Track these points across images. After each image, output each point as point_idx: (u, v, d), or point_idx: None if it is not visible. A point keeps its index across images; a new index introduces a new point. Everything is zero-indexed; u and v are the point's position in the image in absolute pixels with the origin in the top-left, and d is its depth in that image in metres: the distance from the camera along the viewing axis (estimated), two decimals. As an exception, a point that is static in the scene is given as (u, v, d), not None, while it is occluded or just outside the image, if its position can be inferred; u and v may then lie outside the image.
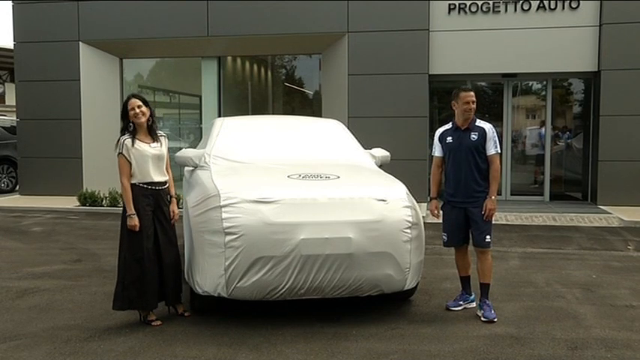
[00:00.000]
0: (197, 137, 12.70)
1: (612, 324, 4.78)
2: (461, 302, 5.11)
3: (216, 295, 4.54)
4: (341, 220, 4.53)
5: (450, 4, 11.13)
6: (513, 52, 11.01)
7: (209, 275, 4.51)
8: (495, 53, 11.08)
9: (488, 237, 4.90)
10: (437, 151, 5.14)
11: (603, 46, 10.74)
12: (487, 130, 4.90)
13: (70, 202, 11.17)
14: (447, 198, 5.13)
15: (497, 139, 4.93)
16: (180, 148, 6.52)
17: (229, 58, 13.05)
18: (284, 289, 4.49)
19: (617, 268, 6.66)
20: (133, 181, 4.66)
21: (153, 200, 4.71)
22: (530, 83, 12.30)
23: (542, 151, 11.83)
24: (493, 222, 5.01)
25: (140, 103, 4.71)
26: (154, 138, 4.78)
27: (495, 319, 4.78)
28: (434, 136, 5.19)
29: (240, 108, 13.16)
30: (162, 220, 4.77)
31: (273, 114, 12.80)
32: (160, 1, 11.87)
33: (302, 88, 13.65)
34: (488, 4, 11.04)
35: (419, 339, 4.43)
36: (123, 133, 4.72)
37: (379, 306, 5.11)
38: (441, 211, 5.14)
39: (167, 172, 4.88)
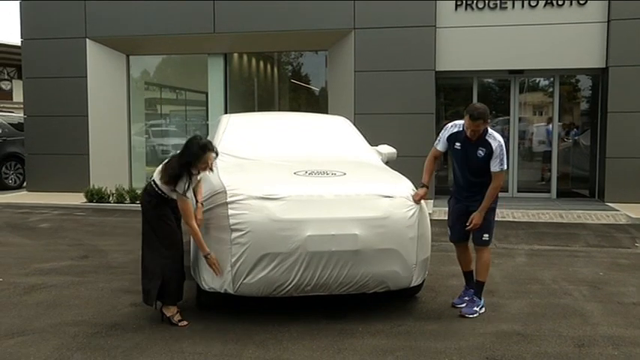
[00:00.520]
0: (203, 134, 12.71)
1: (619, 321, 4.77)
2: (466, 298, 5.10)
3: (222, 291, 4.55)
4: (347, 217, 4.53)
5: (456, 1, 11.09)
6: (520, 48, 10.95)
7: (215, 271, 4.52)
8: (502, 50, 11.03)
9: (486, 235, 4.89)
10: (440, 145, 5.01)
11: (611, 42, 10.66)
12: (495, 148, 4.73)
13: (77, 199, 11.21)
14: (452, 192, 5.13)
15: (504, 155, 4.77)
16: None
17: (235, 55, 13.06)
18: (290, 286, 4.49)
19: (624, 266, 6.63)
20: (156, 191, 4.59)
21: (174, 203, 4.66)
22: (538, 80, 12.24)
23: (549, 147, 11.77)
24: (496, 220, 4.99)
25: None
26: None
27: (470, 317, 4.79)
28: (441, 129, 5.07)
29: (246, 105, 13.16)
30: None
31: (279, 111, 12.79)
32: (166, -2, 11.90)
33: (308, 84, 13.63)
34: (495, 0, 10.99)
35: (425, 336, 4.44)
36: (181, 172, 4.49)
37: (385, 303, 5.11)
38: (422, 202, 4.91)
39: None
